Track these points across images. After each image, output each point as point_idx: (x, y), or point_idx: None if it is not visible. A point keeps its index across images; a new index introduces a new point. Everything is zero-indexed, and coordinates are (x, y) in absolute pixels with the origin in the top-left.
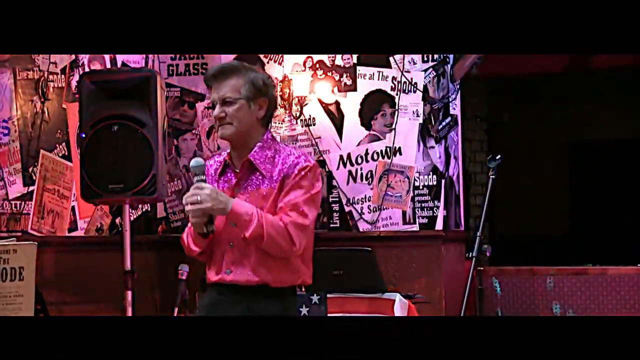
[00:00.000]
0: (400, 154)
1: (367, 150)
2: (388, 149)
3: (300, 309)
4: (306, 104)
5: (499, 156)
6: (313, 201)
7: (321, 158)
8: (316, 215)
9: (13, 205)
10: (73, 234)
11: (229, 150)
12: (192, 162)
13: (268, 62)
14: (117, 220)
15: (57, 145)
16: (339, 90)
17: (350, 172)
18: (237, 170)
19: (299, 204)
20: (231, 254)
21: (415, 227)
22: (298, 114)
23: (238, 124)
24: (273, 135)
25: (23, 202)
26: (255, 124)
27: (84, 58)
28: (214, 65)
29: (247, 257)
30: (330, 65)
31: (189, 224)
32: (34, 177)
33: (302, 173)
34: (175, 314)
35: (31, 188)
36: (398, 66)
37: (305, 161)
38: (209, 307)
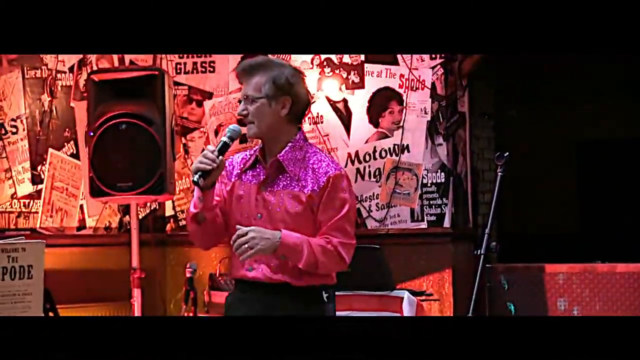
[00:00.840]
0: (409, 151)
1: (375, 147)
2: (396, 146)
3: None
4: (314, 102)
5: (507, 153)
6: (352, 215)
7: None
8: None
9: (22, 204)
10: (81, 232)
11: (261, 145)
12: (233, 127)
13: None
14: (126, 219)
15: (66, 143)
16: (347, 88)
17: (358, 169)
18: (267, 167)
19: (342, 224)
20: None
21: (424, 225)
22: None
23: (259, 123)
24: (306, 136)
25: (31, 201)
26: (280, 122)
27: (92, 56)
28: (243, 60)
29: (269, 255)
30: (338, 63)
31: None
32: (43, 176)
33: (334, 183)
34: (183, 312)
35: (39, 186)
36: (406, 63)
37: (335, 169)
38: (232, 306)
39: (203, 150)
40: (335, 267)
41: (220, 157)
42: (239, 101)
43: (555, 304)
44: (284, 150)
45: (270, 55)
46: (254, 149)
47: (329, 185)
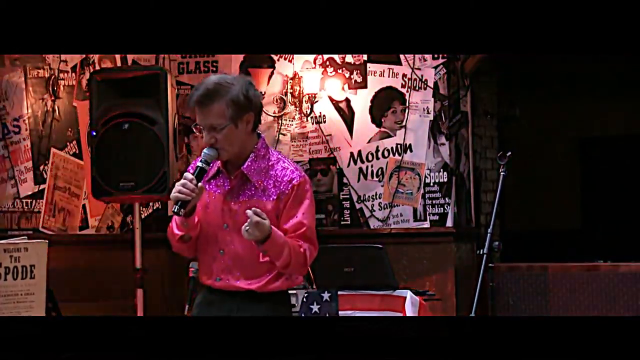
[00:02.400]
0: (411, 151)
1: (377, 147)
2: (399, 146)
3: (312, 306)
4: (317, 101)
5: (509, 152)
6: (314, 221)
7: (332, 155)
8: None
9: (24, 204)
10: (84, 232)
11: None
12: (208, 150)
13: (278, 60)
14: (128, 218)
15: (68, 143)
16: (350, 88)
17: (360, 169)
18: (231, 178)
19: (307, 232)
20: (221, 261)
21: (426, 224)
22: (309, 111)
23: (230, 147)
24: (266, 142)
25: (34, 200)
26: (246, 137)
27: (95, 56)
28: (194, 90)
29: (237, 265)
30: (340, 63)
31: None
32: (45, 176)
33: (298, 190)
34: (186, 312)
35: (42, 186)
36: (408, 63)
37: (299, 177)
38: (201, 307)
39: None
40: (298, 271)
41: (200, 184)
42: (199, 130)
43: (557, 302)
44: (247, 162)
45: (222, 77)
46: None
47: (293, 192)
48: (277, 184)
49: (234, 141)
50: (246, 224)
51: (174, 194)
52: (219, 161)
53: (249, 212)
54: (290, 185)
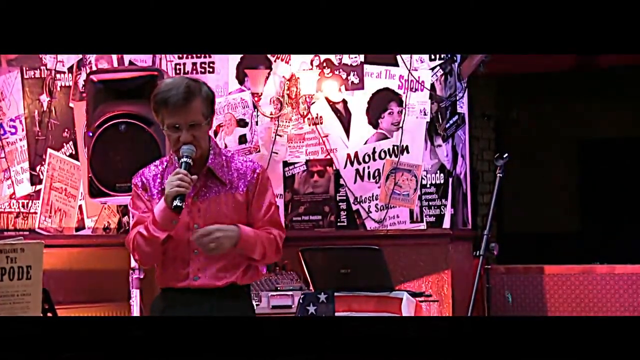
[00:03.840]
0: (408, 152)
1: (374, 148)
2: (395, 147)
3: (308, 308)
4: (313, 103)
5: (506, 154)
6: (277, 210)
7: (328, 156)
8: None
9: (20, 204)
10: (80, 232)
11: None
12: (188, 147)
13: (275, 61)
14: (125, 219)
15: (65, 144)
16: (347, 89)
17: (357, 170)
18: (196, 177)
19: (275, 218)
20: (197, 261)
21: (423, 226)
22: (305, 112)
23: (204, 144)
24: (215, 141)
25: (30, 201)
26: (208, 135)
27: (91, 57)
28: (168, 91)
29: (213, 262)
30: (337, 64)
31: (132, 225)
32: (42, 176)
33: (262, 178)
34: None
35: (38, 187)
36: (405, 64)
37: (259, 166)
38: (167, 311)
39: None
40: (274, 258)
41: (193, 176)
42: (174, 127)
43: (554, 304)
44: (209, 158)
45: (184, 77)
46: (162, 161)
47: (259, 181)
48: (242, 176)
49: (204, 138)
50: (200, 244)
51: (173, 189)
52: (175, 163)
53: (194, 236)
54: (255, 175)
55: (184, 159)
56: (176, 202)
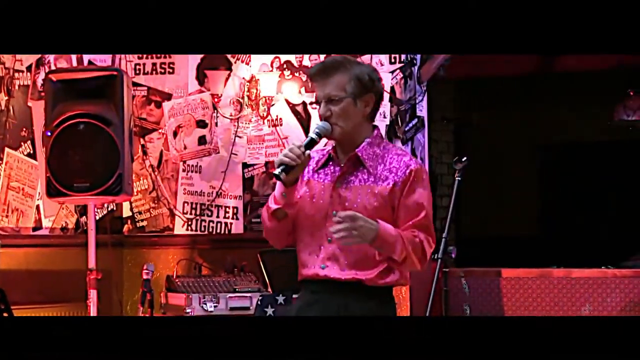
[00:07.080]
0: None
1: None
2: None
3: (266, 309)
4: (273, 104)
5: (465, 158)
6: (431, 212)
7: None
8: None
9: None
10: (38, 232)
11: (334, 144)
12: (323, 124)
13: (235, 62)
14: (82, 219)
15: (22, 143)
16: (306, 91)
17: None
18: (342, 165)
19: (425, 222)
20: (329, 248)
21: None
22: (265, 114)
23: (344, 123)
24: (382, 134)
25: None
26: (362, 121)
27: (50, 56)
28: (316, 65)
29: (344, 253)
30: (297, 66)
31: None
32: None
33: (416, 176)
34: (140, 313)
35: None
36: None
37: (416, 164)
38: (305, 308)
39: (160, 154)
40: (417, 264)
41: (307, 152)
42: (317, 102)
43: (511, 308)
44: (361, 146)
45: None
46: (325, 149)
47: (410, 178)
48: (393, 170)
49: (349, 117)
50: (339, 228)
51: (279, 157)
52: (331, 149)
53: (340, 214)
54: (407, 171)
55: (311, 134)
56: (276, 171)
